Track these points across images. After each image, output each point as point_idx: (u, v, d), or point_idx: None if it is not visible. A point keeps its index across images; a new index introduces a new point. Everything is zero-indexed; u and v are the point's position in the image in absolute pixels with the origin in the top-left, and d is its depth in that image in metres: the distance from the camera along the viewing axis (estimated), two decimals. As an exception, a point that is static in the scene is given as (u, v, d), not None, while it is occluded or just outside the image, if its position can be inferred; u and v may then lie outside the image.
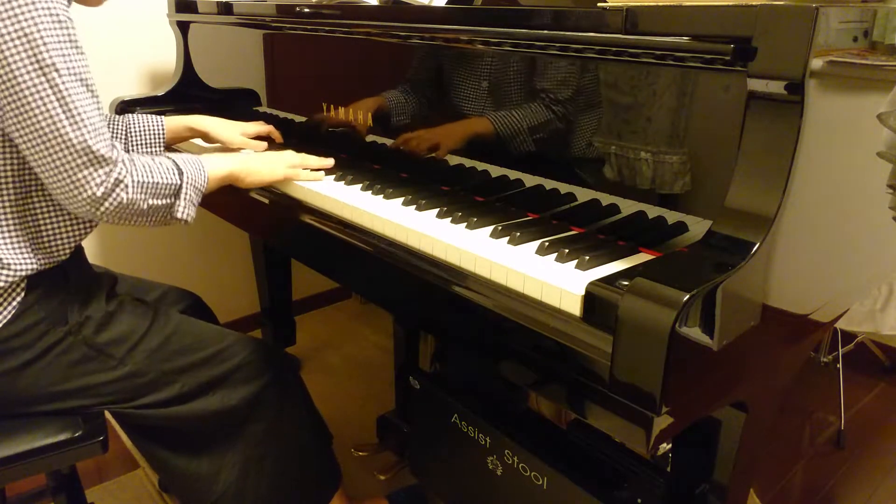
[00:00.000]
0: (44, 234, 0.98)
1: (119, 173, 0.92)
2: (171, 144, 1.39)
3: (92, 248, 1.92)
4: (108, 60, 1.83)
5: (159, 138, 1.29)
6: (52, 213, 0.98)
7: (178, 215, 1.01)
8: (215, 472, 1.16)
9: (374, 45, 1.20)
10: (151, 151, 1.29)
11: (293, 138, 1.42)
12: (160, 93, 1.73)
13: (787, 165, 0.69)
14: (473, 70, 1.03)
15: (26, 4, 0.83)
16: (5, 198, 0.95)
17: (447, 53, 1.07)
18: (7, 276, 0.95)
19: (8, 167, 0.94)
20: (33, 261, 0.97)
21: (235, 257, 2.21)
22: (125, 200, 0.93)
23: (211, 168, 1.07)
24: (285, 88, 1.46)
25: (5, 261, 0.95)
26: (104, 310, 1.05)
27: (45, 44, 0.84)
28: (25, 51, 0.83)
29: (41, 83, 0.85)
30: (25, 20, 0.83)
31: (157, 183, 0.97)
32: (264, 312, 2.05)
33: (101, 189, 0.90)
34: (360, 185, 1.11)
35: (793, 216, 0.71)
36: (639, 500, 1.06)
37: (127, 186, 0.93)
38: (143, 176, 0.95)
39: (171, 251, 2.08)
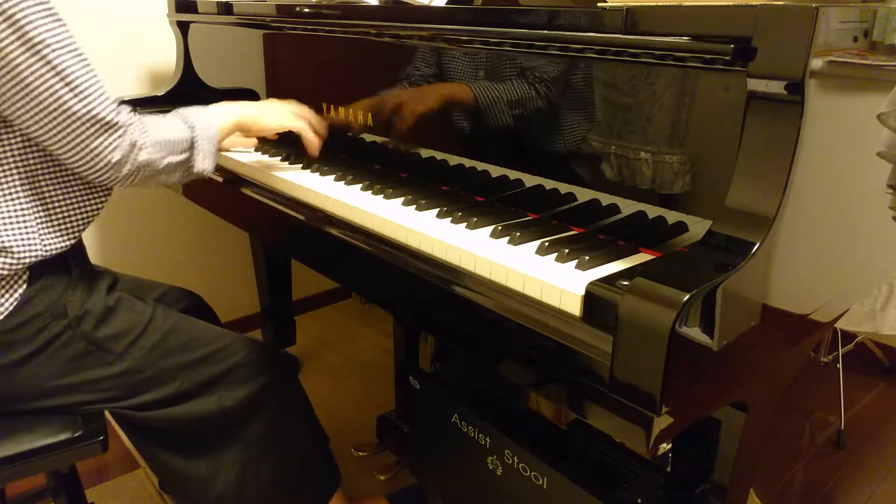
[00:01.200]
0: (56, 212, 0.99)
1: (133, 136, 0.93)
2: None
3: (92, 248, 1.92)
4: (108, 60, 1.83)
5: None
6: (63, 190, 0.99)
7: (196, 168, 1.03)
8: (213, 473, 1.16)
9: (374, 45, 1.20)
10: None
11: (293, 138, 1.42)
12: (160, 93, 1.73)
13: (787, 165, 0.69)
14: (469, 61, 1.03)
15: None
16: (9, 183, 0.94)
17: (445, 54, 1.07)
18: (11, 263, 0.95)
19: (9, 152, 0.94)
20: (39, 247, 0.97)
21: (235, 257, 2.21)
22: (144, 161, 0.94)
23: (220, 117, 1.09)
24: (285, 88, 1.46)
25: (10, 247, 0.94)
26: (104, 304, 1.05)
27: (29, 22, 0.83)
28: (13, 33, 0.83)
29: (35, 61, 0.84)
30: (6, 2, 0.82)
31: (171, 140, 0.98)
32: (264, 312, 2.05)
33: (119, 154, 0.91)
34: (360, 185, 1.11)
35: (793, 216, 0.71)
36: (639, 500, 1.06)
37: (144, 147, 0.94)
38: (156, 135, 0.96)
39: (171, 251, 2.08)
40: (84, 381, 1.04)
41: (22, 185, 0.95)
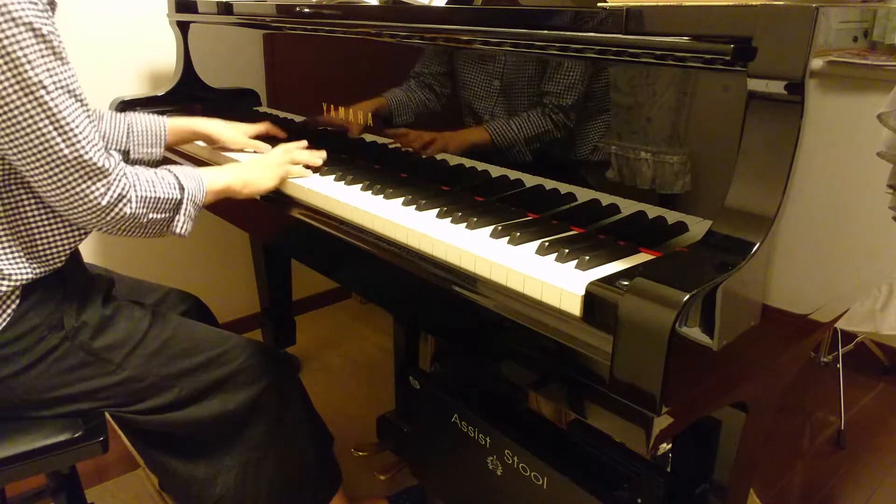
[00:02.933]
0: (38, 242, 0.98)
1: (123, 188, 0.92)
2: (173, 146, 1.38)
3: (91, 249, 1.92)
4: (109, 60, 1.83)
5: (160, 139, 1.29)
6: (45, 221, 0.98)
7: (177, 230, 1.02)
8: (213, 475, 1.16)
9: (374, 45, 1.20)
10: (152, 152, 1.29)
11: (293, 138, 1.42)
12: (160, 93, 1.73)
13: (787, 165, 0.69)
14: (485, 69, 1.02)
15: (5, 23, 0.80)
16: None
17: (459, 51, 1.07)
18: (7, 285, 0.95)
19: None
20: (29, 270, 0.97)
21: (235, 257, 2.21)
22: (128, 214, 0.94)
23: (210, 182, 1.07)
24: (285, 88, 1.46)
25: (4, 271, 0.94)
26: (101, 314, 1.05)
27: (28, 62, 0.82)
28: (10, 70, 0.81)
29: (29, 102, 0.83)
30: (6, 39, 0.80)
31: (159, 198, 0.98)
32: (264, 312, 2.05)
33: (105, 200, 0.91)
34: (361, 185, 1.11)
35: (793, 216, 0.71)
36: (639, 500, 1.06)
37: (130, 200, 0.94)
38: (146, 191, 0.96)
39: (170, 251, 2.08)
40: (83, 391, 1.04)
41: (7, 211, 0.95)
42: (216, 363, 1.12)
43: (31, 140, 0.85)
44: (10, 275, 0.95)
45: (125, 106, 1.66)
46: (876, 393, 2.06)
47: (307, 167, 1.21)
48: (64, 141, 0.86)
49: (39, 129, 0.85)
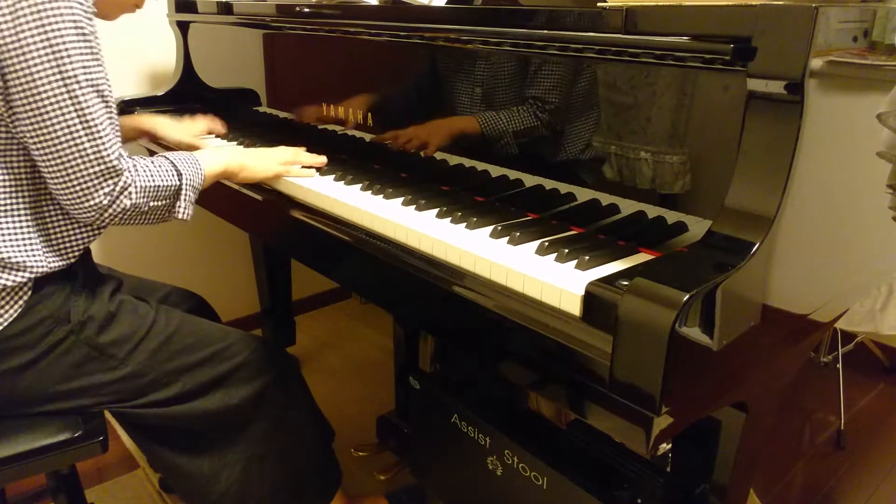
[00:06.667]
0: (53, 237, 0.99)
1: (125, 180, 0.94)
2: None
3: (96, 248, 1.91)
4: (109, 60, 1.81)
5: None
6: (62, 218, 0.99)
7: (179, 215, 1.04)
8: (217, 471, 1.16)
9: (373, 45, 1.20)
10: None
11: (293, 138, 1.42)
12: (160, 93, 1.73)
13: (786, 165, 0.69)
14: (468, 75, 1.04)
15: (54, 17, 0.85)
16: (21, 202, 0.96)
17: (443, 56, 1.07)
18: (24, 276, 0.96)
19: (23, 171, 0.95)
20: (45, 262, 0.98)
21: (235, 257, 2.21)
22: (129, 205, 0.96)
23: (207, 165, 1.08)
24: (285, 88, 1.46)
25: (24, 262, 0.95)
26: (106, 310, 1.05)
27: (69, 56, 0.86)
28: (50, 62, 0.85)
29: (62, 93, 0.87)
30: (52, 31, 0.85)
31: (159, 186, 0.99)
32: (264, 312, 2.05)
33: (108, 198, 0.93)
34: (360, 185, 1.11)
35: (793, 216, 0.71)
36: (639, 501, 1.06)
37: (131, 192, 0.95)
38: (145, 180, 0.97)
39: (171, 251, 2.08)
40: (87, 386, 1.04)
41: (32, 203, 0.97)
42: (220, 358, 1.13)
43: (56, 129, 0.88)
44: (29, 266, 0.96)
45: (125, 106, 1.66)
46: (876, 393, 2.06)
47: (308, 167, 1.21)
48: (87, 135, 0.89)
49: (66, 119, 0.88)
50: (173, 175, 1.01)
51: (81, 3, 0.88)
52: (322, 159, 1.22)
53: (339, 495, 1.33)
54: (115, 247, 1.96)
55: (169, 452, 1.17)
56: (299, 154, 1.21)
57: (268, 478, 1.19)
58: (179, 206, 1.03)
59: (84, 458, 1.07)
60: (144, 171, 0.98)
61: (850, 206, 0.86)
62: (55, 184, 0.92)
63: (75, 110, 0.88)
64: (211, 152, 1.14)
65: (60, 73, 0.86)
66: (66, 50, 0.86)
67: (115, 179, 0.93)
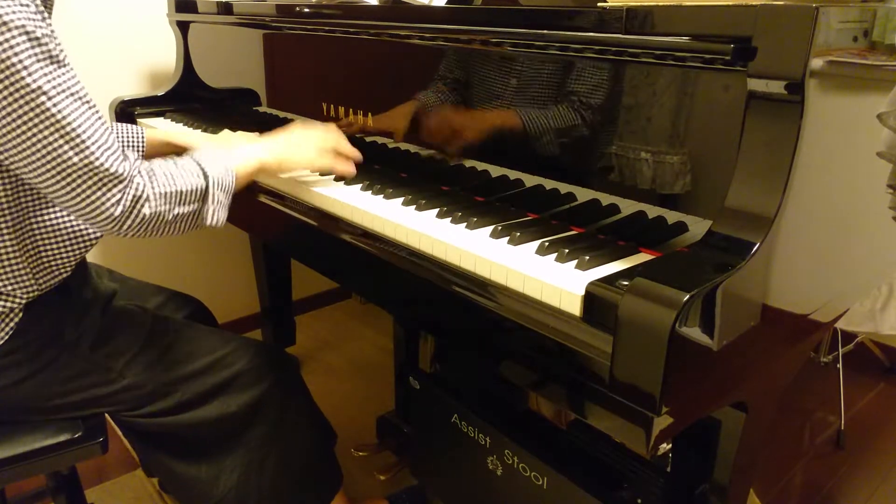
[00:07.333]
0: (44, 256, 0.96)
1: (137, 189, 0.86)
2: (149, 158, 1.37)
3: (93, 250, 1.92)
4: (108, 60, 1.83)
5: (139, 145, 1.26)
6: (51, 234, 0.96)
7: (208, 221, 0.96)
8: (215, 476, 1.15)
9: (374, 45, 1.20)
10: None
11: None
12: (160, 93, 1.73)
13: (787, 165, 0.69)
14: (502, 67, 1.00)
15: None
16: (3, 229, 0.91)
17: (446, 57, 1.07)
18: (13, 303, 0.95)
19: (1, 195, 0.90)
20: (34, 286, 0.96)
21: (235, 257, 2.21)
22: (148, 215, 0.88)
23: (238, 164, 1.00)
24: (285, 88, 1.46)
25: (11, 291, 0.94)
26: (101, 324, 1.04)
27: (25, 68, 0.76)
28: (7, 79, 0.76)
29: (31, 111, 0.78)
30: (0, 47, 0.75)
31: (181, 191, 0.91)
32: (264, 312, 2.05)
33: (120, 208, 0.85)
34: (360, 185, 1.11)
35: (793, 216, 0.71)
36: (639, 501, 1.06)
37: (148, 200, 0.87)
38: (164, 186, 0.89)
39: (171, 251, 2.08)
40: (85, 399, 1.04)
41: (14, 227, 0.92)
42: (218, 366, 1.12)
43: (38, 151, 0.80)
44: (15, 293, 0.94)
45: (125, 106, 1.66)
46: (876, 393, 2.06)
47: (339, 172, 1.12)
48: (71, 148, 0.81)
49: (44, 137, 0.79)
50: (199, 176, 0.93)
51: (27, 6, 0.77)
52: (358, 154, 1.15)
53: (339, 496, 1.33)
54: (114, 246, 1.96)
55: (167, 458, 1.17)
56: (340, 142, 1.12)
57: (267, 481, 1.18)
58: (208, 211, 0.94)
59: (84, 458, 1.06)
60: (163, 175, 0.90)
61: (850, 205, 0.86)
62: (62, 204, 0.85)
63: (50, 125, 0.79)
64: (243, 148, 1.05)
65: (21, 88, 0.77)
66: (21, 62, 0.76)
67: (120, 187, 0.84)
